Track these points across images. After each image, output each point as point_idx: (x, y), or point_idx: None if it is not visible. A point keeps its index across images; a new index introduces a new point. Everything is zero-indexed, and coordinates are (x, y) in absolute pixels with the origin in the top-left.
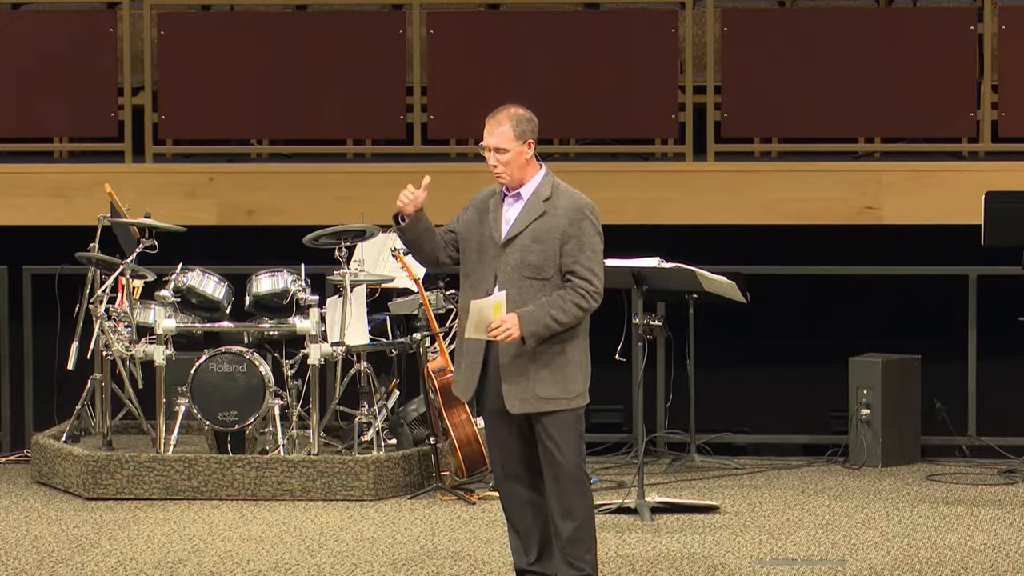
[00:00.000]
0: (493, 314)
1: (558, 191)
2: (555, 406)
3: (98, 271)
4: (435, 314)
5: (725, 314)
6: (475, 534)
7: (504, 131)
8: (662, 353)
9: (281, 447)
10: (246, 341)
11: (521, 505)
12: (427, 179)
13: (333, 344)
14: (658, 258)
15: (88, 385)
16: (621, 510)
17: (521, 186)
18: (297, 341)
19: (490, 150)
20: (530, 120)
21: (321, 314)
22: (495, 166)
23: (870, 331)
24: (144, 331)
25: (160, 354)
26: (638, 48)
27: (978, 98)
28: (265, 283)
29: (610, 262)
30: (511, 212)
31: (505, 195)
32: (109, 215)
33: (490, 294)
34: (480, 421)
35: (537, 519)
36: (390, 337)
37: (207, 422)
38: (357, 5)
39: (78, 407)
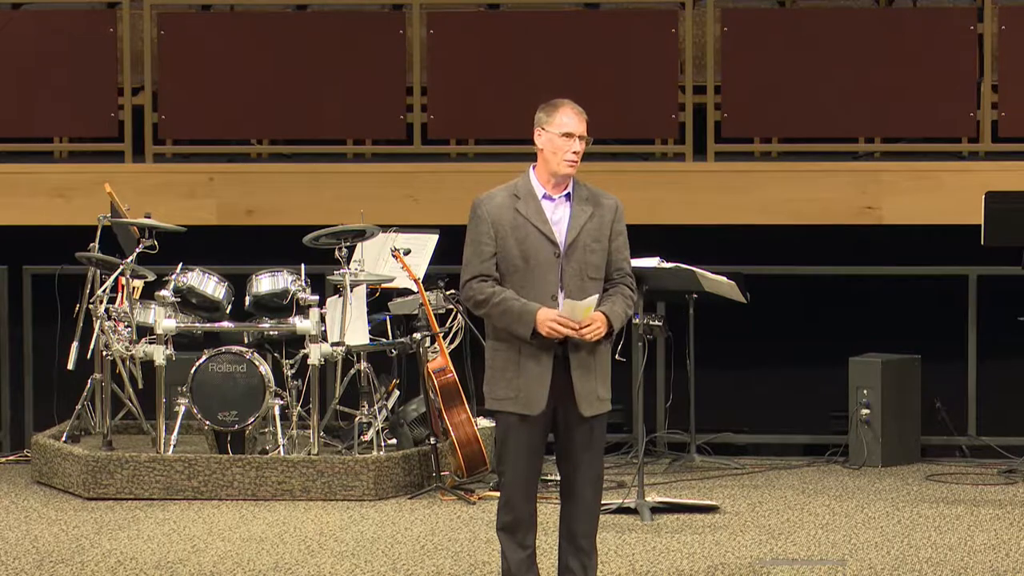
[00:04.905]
0: (583, 315)
1: (591, 189)
2: (607, 407)
3: (98, 271)
4: (435, 314)
5: (725, 314)
6: (475, 534)
7: (585, 121)
8: (662, 353)
9: (281, 447)
10: (246, 341)
11: (532, 522)
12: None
13: (333, 344)
14: (658, 258)
15: (88, 385)
16: (621, 510)
17: (568, 185)
18: (297, 341)
19: (574, 137)
20: None
21: (321, 314)
22: (576, 154)
23: (870, 331)
24: (144, 331)
25: (160, 354)
26: (638, 48)
27: (978, 98)
28: (265, 283)
29: None
30: (559, 214)
31: (546, 198)
32: (109, 215)
33: (556, 300)
34: (481, 421)
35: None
36: (390, 337)
37: (207, 422)
38: (357, 5)
39: (78, 407)
